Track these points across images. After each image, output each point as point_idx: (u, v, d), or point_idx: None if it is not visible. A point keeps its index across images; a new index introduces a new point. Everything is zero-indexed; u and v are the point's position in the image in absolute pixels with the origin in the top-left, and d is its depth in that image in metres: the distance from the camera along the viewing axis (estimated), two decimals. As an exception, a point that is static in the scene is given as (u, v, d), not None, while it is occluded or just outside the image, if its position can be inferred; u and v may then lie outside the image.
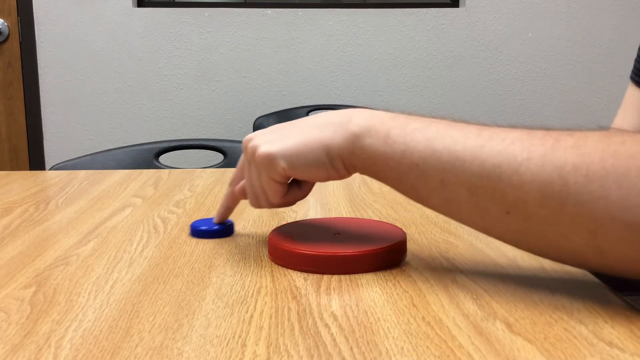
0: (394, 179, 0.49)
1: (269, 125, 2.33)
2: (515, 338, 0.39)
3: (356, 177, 0.94)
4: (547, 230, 0.42)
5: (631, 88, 0.76)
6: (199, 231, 0.63)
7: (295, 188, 0.56)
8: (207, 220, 0.65)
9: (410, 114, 0.50)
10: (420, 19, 2.46)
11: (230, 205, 0.63)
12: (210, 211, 0.74)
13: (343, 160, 0.51)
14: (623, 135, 0.41)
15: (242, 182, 0.59)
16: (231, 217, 0.65)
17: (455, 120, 0.48)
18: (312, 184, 0.57)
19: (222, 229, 0.63)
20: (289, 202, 0.57)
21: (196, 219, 0.68)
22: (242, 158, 0.58)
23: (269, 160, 0.52)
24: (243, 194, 0.59)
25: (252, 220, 0.69)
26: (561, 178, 0.41)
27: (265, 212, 0.73)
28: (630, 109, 0.75)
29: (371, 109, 0.52)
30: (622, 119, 0.76)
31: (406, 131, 0.48)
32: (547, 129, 0.44)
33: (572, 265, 0.45)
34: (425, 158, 0.46)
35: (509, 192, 0.42)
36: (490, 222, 0.45)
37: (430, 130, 0.47)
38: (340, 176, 0.52)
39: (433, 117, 0.49)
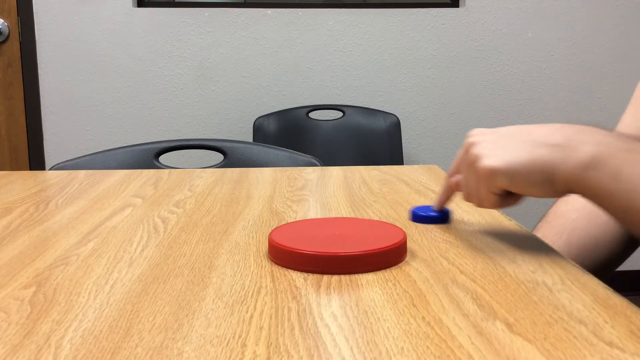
0: (616, 214, 0.49)
1: (269, 126, 2.33)
2: (515, 338, 0.39)
3: (356, 177, 0.94)
4: None
5: None
6: (421, 217, 0.68)
7: (509, 197, 0.56)
8: (426, 208, 0.70)
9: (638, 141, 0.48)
10: (420, 19, 2.46)
11: (448, 195, 0.65)
12: (211, 211, 0.74)
13: (566, 186, 0.51)
14: None
15: (458, 177, 0.61)
16: (222, 216, 0.65)
17: None
18: (524, 196, 0.57)
19: (441, 216, 0.68)
20: (500, 207, 0.59)
21: (417, 206, 0.72)
22: (461, 155, 0.58)
23: (492, 175, 0.53)
24: (457, 187, 0.61)
25: (252, 220, 0.69)
26: None
27: (265, 212, 0.73)
28: None
29: (601, 128, 0.50)
30: (633, 115, 0.75)
31: (638, 170, 0.46)
32: None
33: None
34: None
35: None
36: None
37: None
38: (558, 196, 0.52)
39: None
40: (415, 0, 2.53)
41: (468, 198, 0.59)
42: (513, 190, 0.53)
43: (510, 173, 0.51)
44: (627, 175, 0.46)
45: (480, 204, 0.57)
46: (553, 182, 0.51)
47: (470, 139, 0.56)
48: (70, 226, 0.68)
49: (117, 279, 0.51)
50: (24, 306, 0.45)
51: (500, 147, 0.53)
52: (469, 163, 0.55)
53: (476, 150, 0.54)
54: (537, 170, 0.51)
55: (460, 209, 0.74)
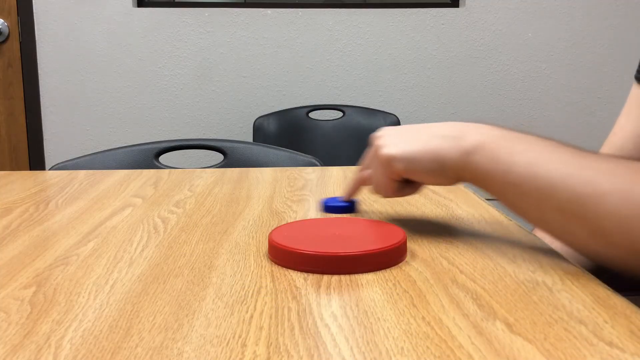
0: (496, 194, 0.55)
1: (269, 126, 2.34)
2: (515, 338, 0.39)
3: (356, 177, 0.94)
4: (629, 257, 0.47)
5: (635, 87, 0.75)
6: (330, 207, 0.72)
7: (408, 185, 0.63)
8: (335, 199, 0.74)
9: (518, 132, 0.55)
10: (420, 19, 2.46)
11: (357, 186, 0.70)
12: (211, 211, 0.74)
13: (454, 172, 0.57)
14: None
15: (367, 171, 0.66)
16: (228, 220, 0.65)
17: (555, 142, 0.53)
18: (422, 185, 0.65)
19: (349, 206, 0.72)
20: (400, 196, 0.65)
21: (327, 197, 0.76)
22: (369, 150, 0.65)
23: (389, 161, 0.59)
24: (367, 180, 0.66)
25: (252, 220, 0.69)
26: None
27: (265, 212, 0.73)
28: (635, 108, 0.75)
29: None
30: (627, 118, 0.76)
31: (512, 152, 0.53)
32: (633, 161, 0.49)
33: None
34: (525, 180, 0.51)
35: (593, 220, 0.47)
36: (576, 243, 0.51)
37: (531, 154, 0.52)
38: (449, 183, 0.59)
39: (537, 137, 0.54)
40: (415, 0, 2.53)
41: (375, 189, 0.65)
42: (410, 177, 0.60)
43: (405, 159, 0.58)
44: (503, 157, 0.53)
45: (384, 193, 0.64)
46: (444, 169, 0.57)
47: (376, 135, 0.63)
48: (70, 226, 0.68)
49: (117, 279, 0.51)
50: (24, 306, 0.45)
51: (399, 139, 0.60)
52: (373, 155, 0.62)
53: (379, 142, 0.61)
54: (430, 158, 0.57)
55: (461, 207, 0.74)
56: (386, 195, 0.64)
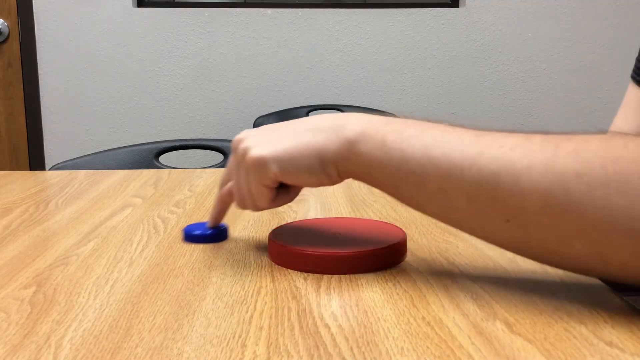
0: (390, 187, 0.49)
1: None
2: (515, 338, 0.39)
3: (356, 177, 0.94)
4: (548, 238, 0.42)
5: (632, 87, 0.75)
6: (192, 236, 0.61)
7: (283, 192, 0.54)
8: (201, 225, 0.63)
9: (405, 117, 0.49)
10: (420, 19, 2.46)
11: (222, 208, 0.61)
12: (211, 211, 0.74)
13: (337, 167, 0.50)
14: (625, 139, 0.40)
15: (229, 184, 0.57)
16: (227, 219, 0.65)
17: (451, 124, 0.47)
18: (300, 189, 0.56)
19: (215, 234, 0.61)
20: (275, 206, 0.55)
21: (190, 223, 0.67)
22: (231, 158, 0.56)
23: (260, 164, 0.50)
24: (231, 196, 0.58)
25: (252, 220, 0.69)
26: (563, 186, 0.40)
27: (265, 212, 0.73)
28: (631, 108, 0.75)
29: (366, 112, 0.52)
30: (623, 118, 0.75)
31: (402, 137, 0.46)
32: (546, 133, 0.43)
33: (573, 272, 0.44)
34: (423, 166, 0.45)
35: (509, 200, 0.42)
36: (489, 229, 0.44)
37: (427, 136, 0.46)
38: (332, 182, 0.51)
39: (429, 122, 0.48)
40: (415, 0, 2.53)
41: (242, 203, 0.55)
42: (285, 180, 0.51)
43: (279, 160, 0.50)
44: (393, 143, 0.46)
45: (254, 205, 0.54)
46: (323, 165, 0.49)
47: (237, 139, 0.54)
48: (70, 226, 0.68)
49: (117, 279, 0.51)
50: (24, 306, 0.45)
51: (269, 139, 0.51)
52: (238, 162, 0.53)
53: (244, 145, 0.52)
54: (306, 155, 0.49)
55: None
56: (259, 208, 0.55)
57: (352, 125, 0.49)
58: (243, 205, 0.56)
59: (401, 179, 0.47)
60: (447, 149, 0.44)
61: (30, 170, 2.44)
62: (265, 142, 0.51)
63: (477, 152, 0.43)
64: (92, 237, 0.63)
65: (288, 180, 0.51)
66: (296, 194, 0.56)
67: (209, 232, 0.61)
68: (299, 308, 0.44)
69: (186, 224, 0.68)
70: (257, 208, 0.55)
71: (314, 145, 0.50)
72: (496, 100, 2.53)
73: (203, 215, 0.72)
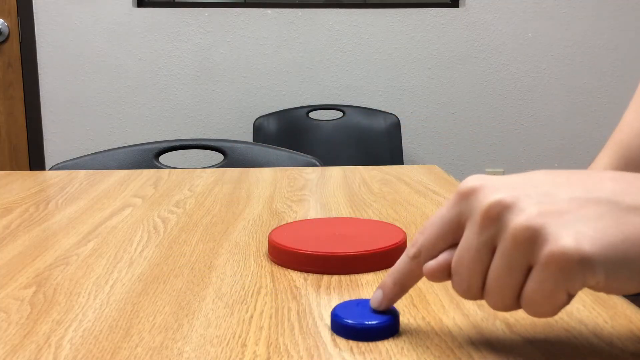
0: None
1: (269, 126, 2.29)
2: (515, 338, 0.39)
3: (356, 177, 0.94)
4: None
5: None
6: (349, 327, 0.39)
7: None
8: (356, 304, 0.41)
9: None
10: (420, 19, 2.46)
11: (408, 284, 0.39)
12: (211, 211, 0.74)
13: None
14: None
15: (443, 258, 0.36)
16: (226, 219, 0.65)
17: None
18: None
19: (387, 324, 0.39)
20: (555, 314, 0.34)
21: (342, 301, 0.44)
22: (445, 213, 0.35)
23: (575, 265, 0.30)
24: (443, 276, 0.36)
25: (252, 220, 0.69)
26: None
27: (265, 212, 0.73)
28: None
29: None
30: (634, 114, 0.72)
31: None
32: None
33: None
34: None
35: None
36: None
37: None
38: None
39: None
40: (415, 0, 2.53)
41: (500, 300, 0.34)
42: (608, 290, 0.31)
43: (608, 260, 0.30)
44: None
45: (514, 305, 0.33)
46: None
47: (494, 196, 0.33)
48: (70, 226, 0.68)
49: (117, 279, 0.51)
50: (24, 306, 0.45)
51: (573, 213, 0.31)
52: (512, 244, 0.32)
53: (525, 219, 0.31)
54: (638, 253, 0.30)
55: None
56: (540, 316, 0.33)
57: None
58: (501, 305, 0.34)
59: None
60: None
61: (30, 170, 2.44)
62: (578, 225, 0.31)
63: None
64: (92, 237, 0.63)
65: (612, 291, 0.32)
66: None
67: (374, 320, 0.39)
68: (299, 308, 0.44)
69: (186, 224, 0.68)
70: (511, 308, 0.34)
71: None
72: (496, 100, 2.53)
73: (203, 215, 0.72)
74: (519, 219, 0.31)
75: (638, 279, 0.31)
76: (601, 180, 0.33)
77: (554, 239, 0.30)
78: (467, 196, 0.34)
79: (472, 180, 0.34)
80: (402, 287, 0.39)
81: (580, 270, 0.30)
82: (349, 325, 0.38)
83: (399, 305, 0.44)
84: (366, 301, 0.41)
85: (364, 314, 0.39)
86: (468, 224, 0.34)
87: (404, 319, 0.42)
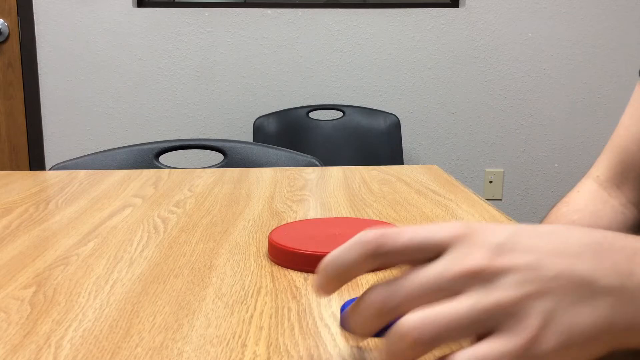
0: None
1: (269, 126, 2.28)
2: (515, 338, 0.39)
3: (356, 177, 0.94)
4: None
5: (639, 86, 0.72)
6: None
7: None
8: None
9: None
10: (420, 19, 2.46)
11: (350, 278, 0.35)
12: (211, 211, 0.74)
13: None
14: None
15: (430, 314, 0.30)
16: (225, 218, 0.65)
17: None
18: None
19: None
20: None
21: (349, 299, 0.44)
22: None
23: (542, 352, 0.30)
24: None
25: (252, 220, 0.69)
26: None
27: (265, 212, 0.73)
28: None
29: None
30: (631, 118, 0.72)
31: None
32: None
33: None
34: None
35: None
36: None
37: None
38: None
39: None
40: (415, 0, 2.53)
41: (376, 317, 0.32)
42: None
43: (571, 346, 0.30)
44: None
45: None
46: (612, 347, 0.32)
47: (502, 259, 0.31)
48: (70, 226, 0.68)
49: (117, 279, 0.51)
50: (24, 306, 0.45)
51: (553, 295, 0.31)
52: (483, 304, 0.30)
53: (509, 298, 0.30)
54: (601, 342, 0.31)
55: (461, 207, 0.74)
56: None
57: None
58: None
59: None
60: None
61: (30, 170, 2.44)
62: (550, 309, 0.31)
63: None
64: (92, 237, 0.63)
65: None
66: None
67: None
68: (299, 308, 0.44)
69: (186, 224, 0.68)
70: (371, 332, 0.33)
71: (610, 326, 0.31)
72: (496, 100, 2.53)
73: (203, 215, 0.72)
74: (504, 295, 0.30)
75: (597, 355, 0.31)
76: (584, 255, 0.32)
77: (532, 324, 0.30)
78: (474, 278, 0.31)
79: (475, 254, 0.32)
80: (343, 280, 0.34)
81: (543, 357, 0.30)
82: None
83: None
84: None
85: None
86: (467, 300, 0.31)
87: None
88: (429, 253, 0.33)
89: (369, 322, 0.32)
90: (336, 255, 0.34)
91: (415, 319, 0.30)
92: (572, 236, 0.33)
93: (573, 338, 0.30)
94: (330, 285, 0.34)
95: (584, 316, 0.30)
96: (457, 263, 0.32)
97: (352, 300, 0.40)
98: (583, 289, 0.31)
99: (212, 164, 1.22)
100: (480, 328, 0.31)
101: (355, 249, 0.33)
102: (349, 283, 0.49)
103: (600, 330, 0.31)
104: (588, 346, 0.30)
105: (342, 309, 0.40)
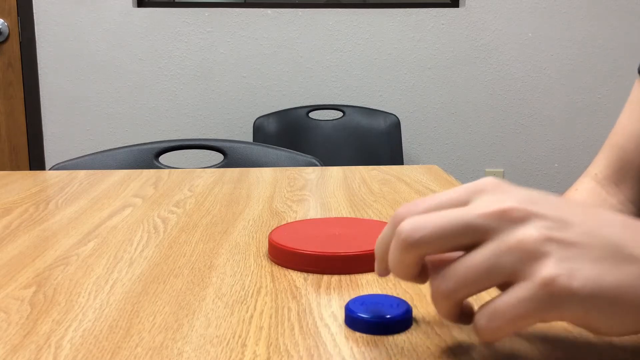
0: None
1: (269, 126, 2.29)
2: (515, 338, 0.39)
3: (356, 177, 0.94)
4: None
5: (638, 84, 0.72)
6: (362, 320, 0.39)
7: None
8: (369, 298, 0.42)
9: None
10: (420, 19, 2.46)
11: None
12: (211, 211, 0.74)
13: None
14: None
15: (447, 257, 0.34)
16: (224, 218, 0.65)
17: None
18: None
19: (400, 318, 0.39)
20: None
21: (357, 296, 0.43)
22: (472, 220, 0.33)
23: (565, 300, 0.30)
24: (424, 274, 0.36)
25: (252, 220, 0.69)
26: None
27: (265, 212, 0.73)
28: (638, 106, 0.71)
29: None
30: (629, 117, 0.73)
31: None
32: None
33: None
34: None
35: None
36: None
37: None
38: None
39: None
40: (415, 0, 2.53)
41: (450, 287, 0.33)
42: (586, 327, 0.32)
43: (594, 302, 0.31)
44: None
45: (496, 325, 0.32)
46: None
47: (520, 208, 0.32)
48: (70, 226, 0.68)
49: (117, 279, 0.51)
50: (24, 306, 0.45)
51: (579, 248, 0.32)
52: (512, 248, 0.31)
53: (536, 237, 0.31)
54: (623, 308, 0.31)
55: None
56: (503, 333, 0.32)
57: None
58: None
59: None
60: None
61: (30, 170, 2.44)
62: (575, 257, 0.31)
63: None
64: (92, 237, 0.63)
65: (590, 331, 0.33)
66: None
67: (390, 314, 0.39)
68: (299, 308, 0.44)
69: (186, 224, 0.68)
70: (448, 301, 0.34)
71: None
72: (496, 100, 2.53)
73: (203, 215, 0.72)
74: (528, 233, 0.31)
75: (619, 326, 0.32)
76: (613, 223, 0.33)
77: (552, 266, 0.31)
78: (502, 218, 0.32)
79: (507, 199, 0.33)
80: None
81: (563, 304, 0.31)
82: (364, 319, 0.39)
83: (411, 298, 0.44)
84: (379, 296, 0.42)
85: (378, 308, 0.40)
86: (491, 242, 0.32)
87: (417, 313, 0.42)
88: (477, 235, 0.33)
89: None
90: (379, 237, 0.37)
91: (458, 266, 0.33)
92: (601, 210, 0.34)
93: (595, 291, 0.30)
94: (380, 266, 0.37)
95: (608, 275, 0.31)
96: (488, 205, 0.33)
97: (353, 300, 0.42)
98: (611, 251, 0.32)
99: (212, 164, 1.22)
100: (504, 269, 0.31)
101: (389, 227, 0.36)
102: (349, 283, 0.49)
103: (625, 293, 0.31)
104: (610, 306, 0.31)
105: (346, 308, 0.41)
